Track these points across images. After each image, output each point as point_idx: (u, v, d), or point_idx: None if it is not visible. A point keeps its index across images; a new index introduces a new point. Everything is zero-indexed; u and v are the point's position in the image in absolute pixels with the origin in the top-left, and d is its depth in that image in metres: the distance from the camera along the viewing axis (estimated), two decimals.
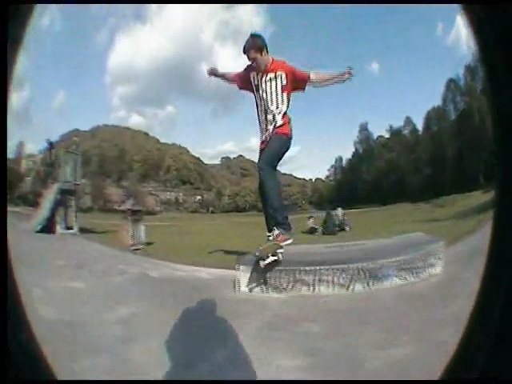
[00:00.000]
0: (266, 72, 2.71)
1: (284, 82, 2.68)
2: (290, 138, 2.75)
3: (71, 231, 9.98)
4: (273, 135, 2.67)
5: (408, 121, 45.94)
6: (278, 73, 2.67)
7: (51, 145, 13.28)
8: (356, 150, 52.39)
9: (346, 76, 2.67)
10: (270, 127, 2.67)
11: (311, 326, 2.04)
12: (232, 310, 2.44)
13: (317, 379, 1.50)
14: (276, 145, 2.62)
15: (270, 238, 2.48)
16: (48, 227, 9.24)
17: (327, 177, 59.14)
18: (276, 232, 2.45)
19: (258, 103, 2.77)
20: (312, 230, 11.55)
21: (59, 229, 9.63)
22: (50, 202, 9.70)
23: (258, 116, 2.79)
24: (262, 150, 2.72)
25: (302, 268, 2.59)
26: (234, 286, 2.93)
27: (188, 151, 66.67)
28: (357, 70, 2.74)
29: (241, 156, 71.03)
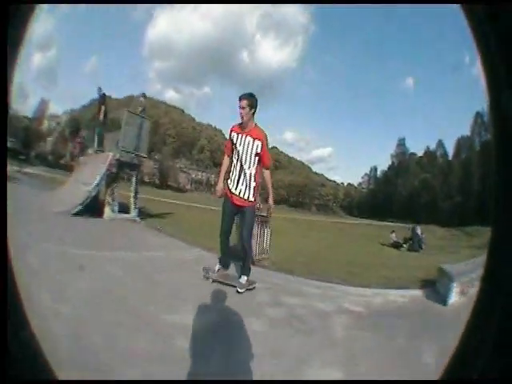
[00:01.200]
0: (246, 134, 3.12)
1: (259, 150, 3.12)
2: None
3: (127, 216, 7.40)
4: (248, 207, 3.18)
5: (440, 144, 46.39)
6: (257, 141, 3.10)
7: (103, 98, 9.00)
8: (392, 163, 52.25)
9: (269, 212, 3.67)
10: (243, 184, 3.13)
11: None
12: None
13: None
14: (252, 219, 3.34)
15: (242, 281, 3.19)
16: (92, 209, 6.67)
17: (360, 184, 58.93)
18: (245, 278, 3.22)
19: (234, 159, 3.19)
20: (397, 245, 11.64)
21: (109, 212, 7.00)
22: (100, 175, 6.98)
23: (232, 168, 3.20)
24: (231, 193, 3.19)
25: None
26: None
27: (223, 134, 65.95)
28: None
29: (275, 148, 69.76)
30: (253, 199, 3.19)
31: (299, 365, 1.91)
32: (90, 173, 7.51)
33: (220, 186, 3.28)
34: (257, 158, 3.13)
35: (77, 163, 9.63)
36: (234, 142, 3.16)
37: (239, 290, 3.10)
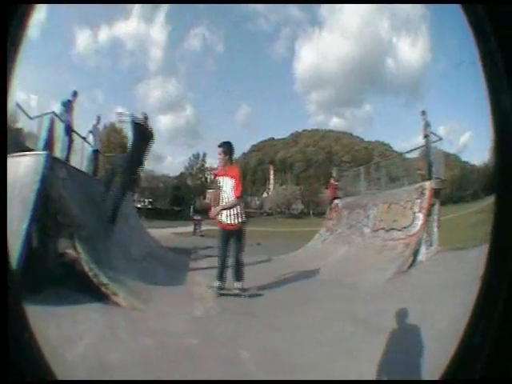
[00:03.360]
0: (226, 174, 3.84)
1: (233, 185, 3.78)
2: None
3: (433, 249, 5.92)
4: (237, 229, 3.79)
5: None
6: (230, 177, 3.80)
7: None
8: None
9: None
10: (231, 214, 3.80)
11: None
12: None
13: None
14: (243, 240, 3.87)
15: (237, 287, 3.78)
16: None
17: (488, 161, 58.31)
18: (239, 284, 3.78)
19: (222, 195, 3.89)
20: None
21: (425, 251, 5.59)
22: (423, 213, 5.75)
23: (221, 201, 3.88)
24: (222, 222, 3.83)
25: None
26: None
27: (391, 147, 65.39)
28: None
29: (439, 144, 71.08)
30: (237, 222, 3.77)
31: None
32: (399, 213, 6.11)
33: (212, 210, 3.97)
34: (232, 192, 3.77)
35: (333, 209, 8.87)
36: (220, 183, 3.93)
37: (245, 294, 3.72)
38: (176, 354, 2.11)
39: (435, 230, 6.31)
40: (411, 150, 8.31)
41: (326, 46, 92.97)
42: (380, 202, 6.95)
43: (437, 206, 6.52)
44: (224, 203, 3.81)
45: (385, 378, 1.80)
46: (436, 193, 6.40)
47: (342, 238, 7.02)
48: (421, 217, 5.72)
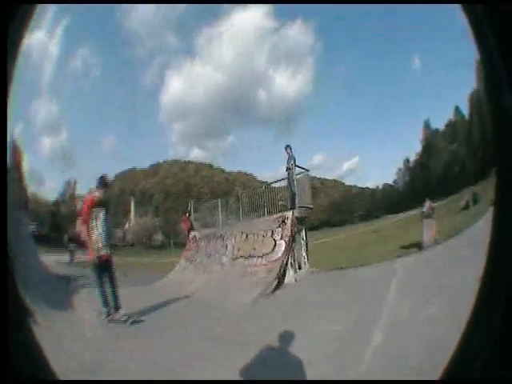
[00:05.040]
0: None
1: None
2: None
3: (303, 271, 6.44)
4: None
5: (457, 110, 44.80)
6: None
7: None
8: (423, 146, 51.84)
9: None
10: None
11: None
12: None
13: None
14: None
15: (122, 314, 3.82)
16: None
17: (395, 181, 58.79)
18: (123, 311, 3.85)
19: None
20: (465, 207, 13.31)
21: (292, 273, 5.95)
22: (286, 240, 6.12)
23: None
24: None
25: None
26: None
27: (255, 177, 65.81)
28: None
29: (307, 175, 71.32)
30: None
31: None
32: (258, 241, 6.58)
33: None
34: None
35: (191, 240, 9.02)
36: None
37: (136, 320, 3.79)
38: None
39: (303, 253, 6.87)
40: (272, 183, 8.62)
41: (196, 77, 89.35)
42: (237, 232, 7.34)
43: (303, 232, 7.07)
44: (104, 233, 3.78)
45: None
46: (301, 220, 6.85)
47: (202, 267, 7.43)
48: (283, 244, 6.09)
